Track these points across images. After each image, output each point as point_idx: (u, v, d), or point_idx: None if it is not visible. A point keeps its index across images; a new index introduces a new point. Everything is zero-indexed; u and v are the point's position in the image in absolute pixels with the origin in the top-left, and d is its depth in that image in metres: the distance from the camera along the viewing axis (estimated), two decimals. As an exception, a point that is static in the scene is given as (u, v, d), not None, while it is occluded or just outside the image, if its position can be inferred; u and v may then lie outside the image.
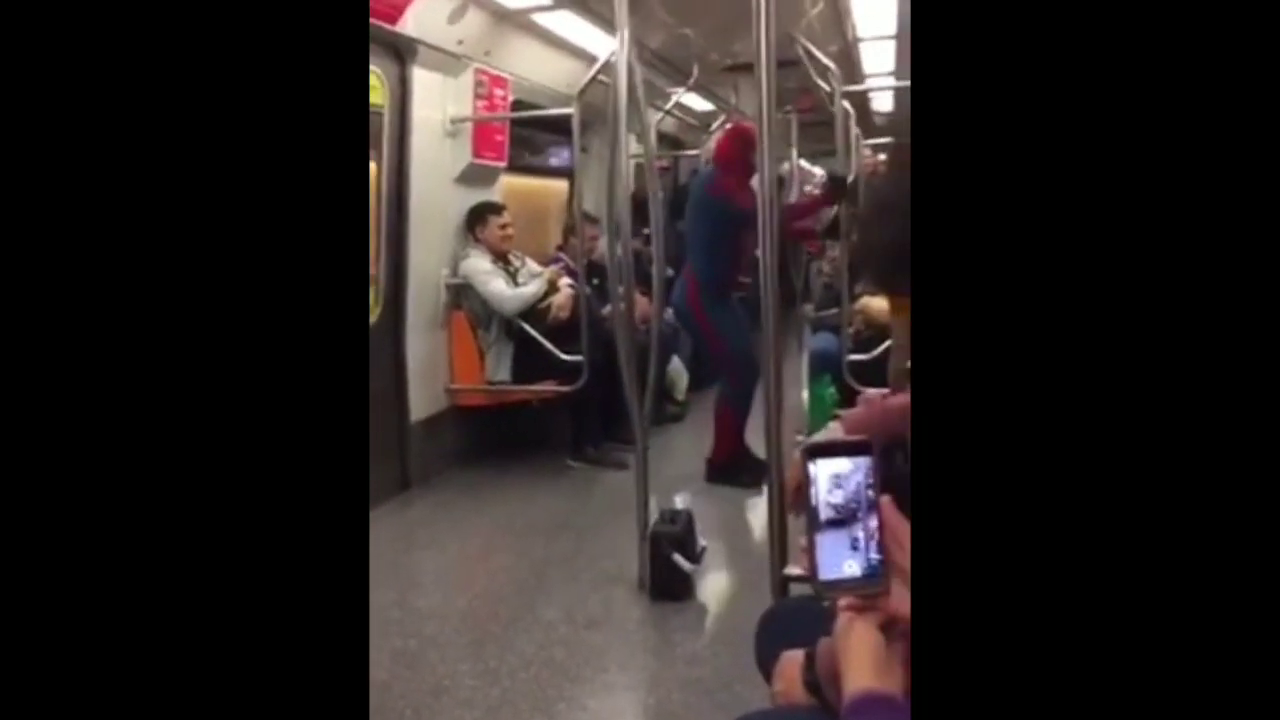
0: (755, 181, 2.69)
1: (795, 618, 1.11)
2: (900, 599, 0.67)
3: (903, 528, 0.67)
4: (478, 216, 3.55)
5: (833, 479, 0.68)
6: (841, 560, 0.68)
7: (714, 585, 2.46)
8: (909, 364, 0.63)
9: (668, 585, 2.36)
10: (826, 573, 0.68)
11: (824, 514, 0.68)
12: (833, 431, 1.14)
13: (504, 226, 3.56)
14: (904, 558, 0.67)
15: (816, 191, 4.09)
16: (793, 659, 0.92)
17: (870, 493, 0.68)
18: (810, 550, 0.68)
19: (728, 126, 3.99)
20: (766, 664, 1.02)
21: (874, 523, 0.68)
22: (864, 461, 0.69)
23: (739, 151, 3.22)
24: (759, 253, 1.90)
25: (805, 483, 0.68)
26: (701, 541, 2.48)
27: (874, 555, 0.68)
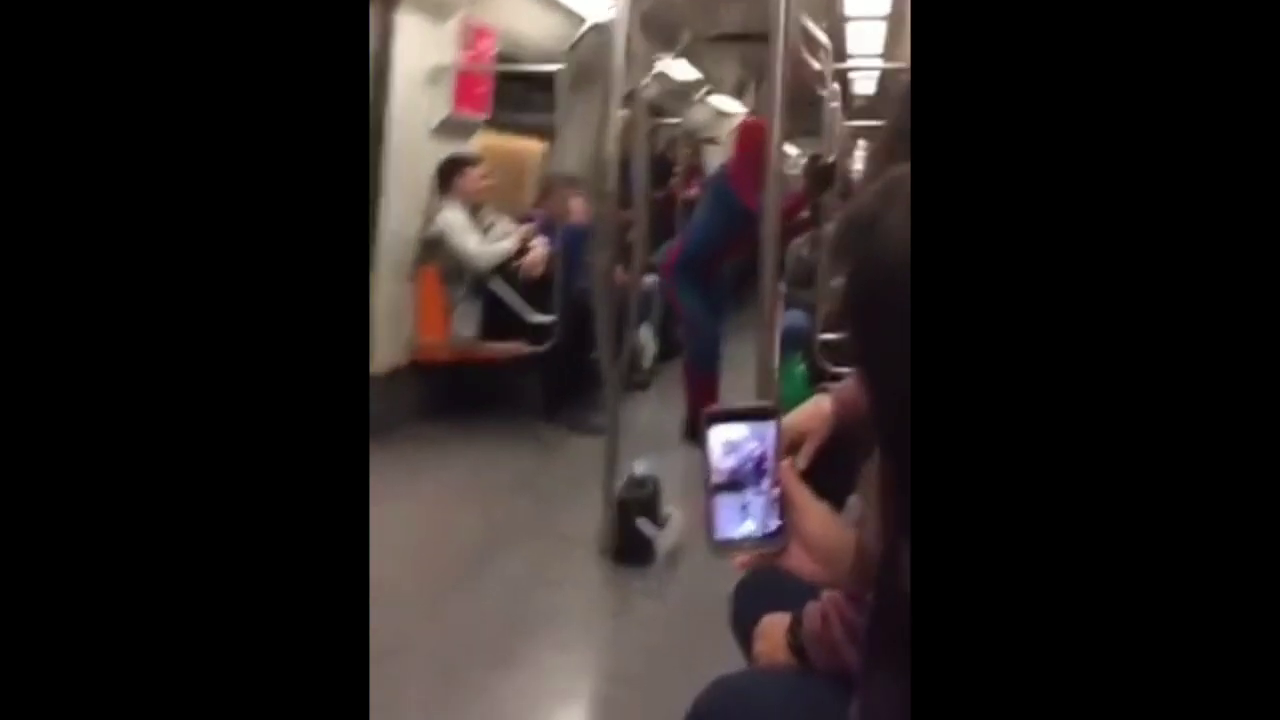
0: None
1: (777, 584, 1.11)
2: (798, 559, 0.71)
3: (799, 492, 0.71)
4: (454, 168, 3.47)
5: (725, 445, 0.70)
6: (736, 523, 0.71)
7: (678, 553, 2.46)
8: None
9: (631, 550, 2.36)
10: (723, 532, 0.71)
11: (716, 478, 0.70)
12: (820, 404, 1.13)
13: (483, 176, 3.49)
14: (801, 520, 0.71)
15: (797, 179, 4.13)
16: (777, 622, 0.92)
17: (768, 458, 0.70)
18: (708, 511, 0.71)
19: (746, 120, 3.99)
20: (744, 626, 1.02)
21: (772, 487, 0.70)
22: (761, 428, 0.71)
23: (757, 144, 3.24)
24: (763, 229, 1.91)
25: (702, 445, 0.70)
26: (667, 508, 2.48)
27: (772, 520, 0.71)
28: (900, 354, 0.50)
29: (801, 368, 3.35)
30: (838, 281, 3.35)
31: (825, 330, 3.17)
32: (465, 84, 3.45)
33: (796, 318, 3.55)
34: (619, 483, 2.43)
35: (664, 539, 2.42)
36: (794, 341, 3.45)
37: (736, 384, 3.38)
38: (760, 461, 0.71)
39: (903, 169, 0.53)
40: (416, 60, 3.25)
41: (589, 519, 2.49)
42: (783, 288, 4.32)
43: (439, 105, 3.41)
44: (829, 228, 3.27)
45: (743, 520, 0.71)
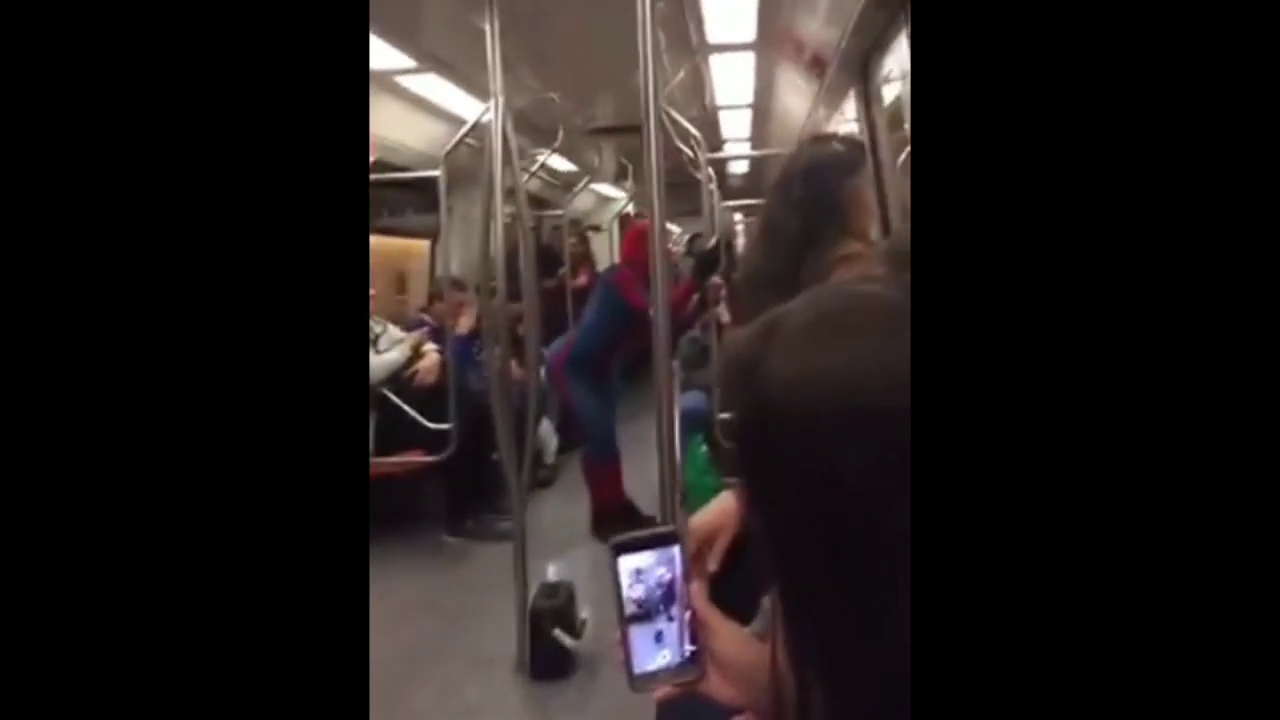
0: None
1: (702, 697, 1.06)
2: (715, 684, 0.69)
3: (711, 615, 0.70)
4: (335, 279, 3.39)
5: (633, 574, 0.70)
6: (652, 653, 0.69)
7: (597, 659, 2.37)
8: None
9: (549, 664, 2.26)
10: (641, 665, 0.69)
11: (628, 609, 0.69)
12: (726, 503, 1.11)
13: (364, 289, 3.42)
14: (715, 643, 0.69)
15: (680, 258, 4.21)
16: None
17: (676, 583, 0.70)
18: (624, 643, 0.69)
19: (635, 221, 4.06)
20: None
21: (684, 612, 0.69)
22: (666, 553, 0.70)
23: (642, 248, 3.29)
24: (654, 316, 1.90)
25: (612, 578, 0.69)
26: (582, 614, 2.39)
27: (687, 645, 0.69)
28: (783, 497, 0.49)
29: (704, 449, 3.34)
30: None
31: (724, 409, 3.18)
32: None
33: (694, 399, 3.56)
34: (531, 592, 2.34)
35: (582, 647, 2.32)
36: (694, 423, 3.46)
37: (639, 470, 3.35)
38: (669, 587, 0.70)
39: (783, 307, 0.53)
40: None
41: (502, 634, 2.37)
42: (677, 368, 4.37)
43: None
44: (718, 310, 3.31)
45: (659, 650, 0.69)
